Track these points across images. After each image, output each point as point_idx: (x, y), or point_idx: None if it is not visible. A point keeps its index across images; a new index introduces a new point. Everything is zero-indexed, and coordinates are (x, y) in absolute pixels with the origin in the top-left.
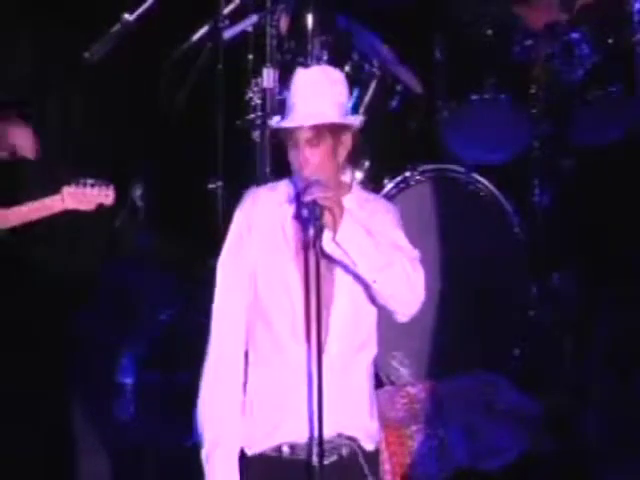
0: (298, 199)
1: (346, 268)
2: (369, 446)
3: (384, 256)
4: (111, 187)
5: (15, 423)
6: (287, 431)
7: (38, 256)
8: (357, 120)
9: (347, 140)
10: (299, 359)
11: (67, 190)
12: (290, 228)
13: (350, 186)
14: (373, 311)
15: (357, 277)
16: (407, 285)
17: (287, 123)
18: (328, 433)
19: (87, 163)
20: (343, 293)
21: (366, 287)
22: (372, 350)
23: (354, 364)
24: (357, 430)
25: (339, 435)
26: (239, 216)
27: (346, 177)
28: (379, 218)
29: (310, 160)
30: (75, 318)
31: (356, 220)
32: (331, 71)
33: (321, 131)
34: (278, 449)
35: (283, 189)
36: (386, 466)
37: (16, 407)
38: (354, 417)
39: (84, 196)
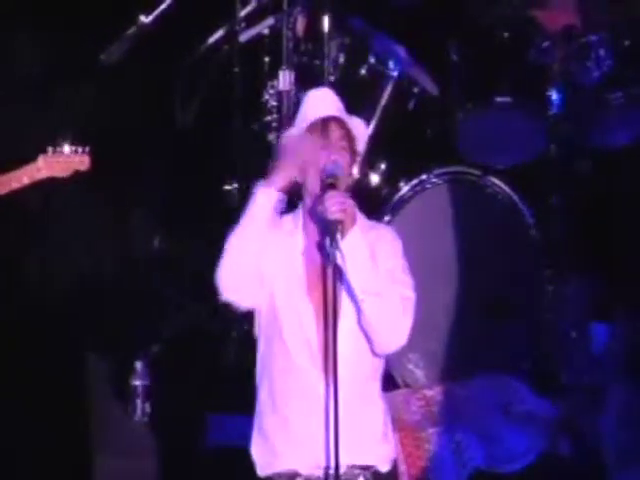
0: (315, 205)
1: (352, 298)
2: (384, 467)
3: (378, 283)
4: (86, 152)
5: (30, 425)
6: (301, 462)
7: (51, 258)
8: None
9: (358, 160)
10: (315, 387)
11: (43, 157)
12: (302, 258)
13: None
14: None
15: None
16: (392, 324)
17: (321, 114)
18: (342, 465)
19: (101, 163)
20: (349, 320)
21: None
22: (380, 372)
23: (366, 391)
24: (371, 457)
25: (352, 467)
26: None
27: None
28: (382, 245)
29: (339, 161)
30: (90, 319)
31: (363, 238)
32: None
33: (348, 135)
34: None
35: (291, 219)
36: (402, 468)
37: (31, 409)
38: (368, 445)
39: (60, 162)
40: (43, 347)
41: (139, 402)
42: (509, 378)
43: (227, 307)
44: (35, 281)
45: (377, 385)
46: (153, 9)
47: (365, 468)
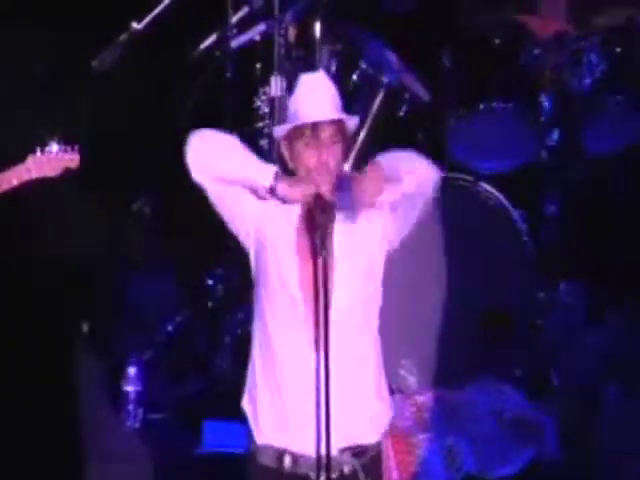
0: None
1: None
2: (373, 438)
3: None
4: (76, 151)
5: (21, 431)
6: (291, 438)
7: (44, 260)
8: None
9: (352, 147)
10: (306, 359)
11: (32, 157)
12: (295, 234)
13: None
14: (374, 297)
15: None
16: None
17: (310, 119)
18: (333, 447)
19: (94, 168)
20: (342, 287)
21: (365, 280)
22: (375, 332)
23: (358, 345)
24: (364, 426)
25: (342, 451)
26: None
27: None
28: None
29: (329, 160)
30: (83, 324)
31: None
32: (327, 78)
33: (340, 130)
34: (280, 459)
35: None
36: (394, 474)
37: (22, 416)
38: (362, 413)
39: (49, 162)
40: (34, 351)
41: (132, 408)
42: (501, 384)
43: (220, 311)
44: (25, 281)
45: (371, 339)
46: (145, 15)
47: (355, 454)
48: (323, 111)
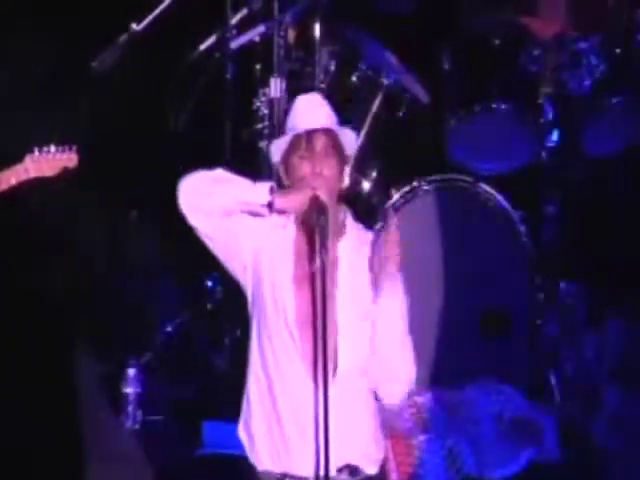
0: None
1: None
2: (372, 470)
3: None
4: (74, 150)
5: (21, 433)
6: (291, 462)
7: (43, 262)
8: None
9: (348, 166)
10: (304, 387)
11: (30, 157)
12: (293, 252)
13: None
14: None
15: (356, 300)
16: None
17: (306, 126)
18: (332, 467)
19: (92, 171)
20: (346, 318)
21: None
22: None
23: (358, 389)
24: (360, 458)
25: (340, 470)
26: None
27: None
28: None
29: (323, 170)
30: (81, 326)
31: None
32: (322, 98)
33: (335, 142)
34: None
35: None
36: (393, 476)
37: (22, 418)
38: (358, 446)
39: (47, 161)
40: (34, 353)
41: (131, 409)
42: (501, 384)
43: (220, 313)
44: (25, 282)
45: (367, 384)
46: (144, 16)
47: (353, 472)
48: (318, 121)
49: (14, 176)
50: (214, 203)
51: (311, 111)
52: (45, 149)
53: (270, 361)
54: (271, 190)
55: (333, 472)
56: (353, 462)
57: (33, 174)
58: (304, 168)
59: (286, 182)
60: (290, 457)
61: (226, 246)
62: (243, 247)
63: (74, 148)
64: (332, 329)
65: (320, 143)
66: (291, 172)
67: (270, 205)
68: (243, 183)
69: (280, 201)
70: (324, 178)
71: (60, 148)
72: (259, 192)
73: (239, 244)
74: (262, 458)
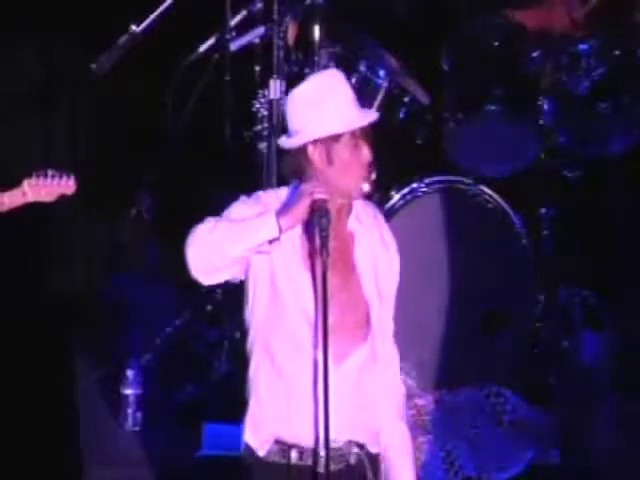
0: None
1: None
2: (374, 449)
3: None
4: (72, 177)
5: (19, 435)
6: (296, 434)
7: (42, 263)
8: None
9: None
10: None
11: (28, 182)
12: (299, 236)
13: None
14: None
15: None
16: None
17: (360, 122)
18: (338, 439)
19: (94, 174)
20: (372, 290)
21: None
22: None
23: (384, 356)
24: (366, 435)
25: (349, 442)
26: (250, 201)
27: None
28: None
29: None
30: (81, 329)
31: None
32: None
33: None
34: (286, 454)
35: (286, 194)
36: None
37: (20, 420)
38: (366, 422)
39: (45, 187)
40: (33, 354)
41: (130, 411)
42: (500, 387)
43: (220, 314)
44: (24, 284)
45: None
46: (144, 18)
47: (359, 446)
48: (358, 119)
49: (11, 200)
50: (227, 261)
51: (346, 102)
52: (42, 173)
53: (276, 348)
54: (277, 218)
55: (341, 443)
56: (361, 439)
57: (32, 198)
58: (367, 155)
59: (320, 167)
60: (300, 427)
61: (241, 274)
62: (257, 267)
63: (71, 176)
64: (360, 299)
65: (364, 152)
66: (341, 159)
67: (281, 231)
68: (248, 225)
69: (285, 222)
70: (371, 166)
71: (58, 174)
72: (268, 226)
73: (254, 268)
74: (268, 430)
